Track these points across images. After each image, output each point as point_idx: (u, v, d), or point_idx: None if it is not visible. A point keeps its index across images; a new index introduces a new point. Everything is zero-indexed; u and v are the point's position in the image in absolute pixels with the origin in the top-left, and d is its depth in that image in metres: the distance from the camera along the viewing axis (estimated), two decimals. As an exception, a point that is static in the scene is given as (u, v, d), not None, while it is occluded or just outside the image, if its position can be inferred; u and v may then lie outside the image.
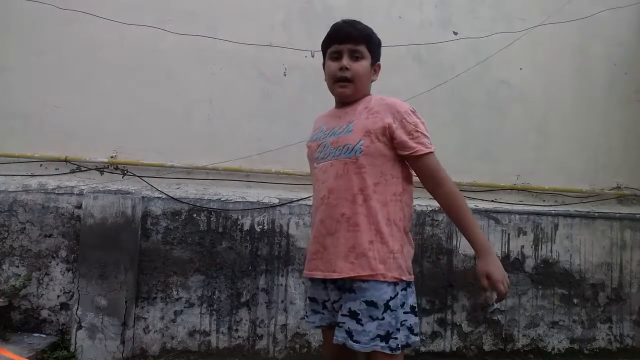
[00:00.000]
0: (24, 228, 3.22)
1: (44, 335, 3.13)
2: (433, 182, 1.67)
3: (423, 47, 3.68)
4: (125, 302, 3.10)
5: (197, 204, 3.30)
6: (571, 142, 3.88)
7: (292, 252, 3.36)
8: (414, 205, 1.79)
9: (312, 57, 3.52)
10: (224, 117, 3.50)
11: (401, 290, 1.61)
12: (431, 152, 1.65)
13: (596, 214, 3.78)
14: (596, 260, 3.73)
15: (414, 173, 1.73)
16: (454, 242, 3.53)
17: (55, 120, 3.36)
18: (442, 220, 3.51)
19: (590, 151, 3.90)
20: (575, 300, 3.69)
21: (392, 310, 1.57)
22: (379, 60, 1.77)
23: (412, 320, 1.62)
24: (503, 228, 3.63)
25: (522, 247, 3.64)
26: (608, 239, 3.76)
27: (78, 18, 3.32)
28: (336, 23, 1.77)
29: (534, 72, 3.86)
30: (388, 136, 1.63)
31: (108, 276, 3.09)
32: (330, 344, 1.71)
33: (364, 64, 1.71)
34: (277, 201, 3.39)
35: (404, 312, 1.61)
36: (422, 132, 1.64)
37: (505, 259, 3.60)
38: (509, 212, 3.65)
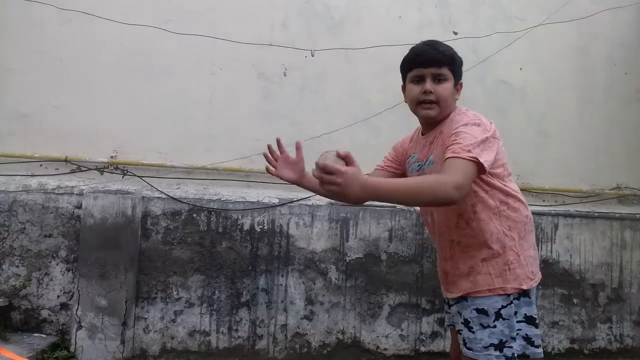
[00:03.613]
0: (24, 228, 3.22)
1: (44, 335, 3.13)
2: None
3: (423, 47, 3.68)
4: (125, 302, 3.10)
5: (197, 204, 3.30)
6: (571, 142, 3.87)
7: (292, 252, 3.36)
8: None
9: (312, 56, 3.53)
10: (224, 117, 3.50)
11: (514, 299, 1.63)
12: (455, 158, 1.43)
13: (596, 214, 3.78)
14: (596, 260, 3.73)
15: (498, 172, 1.65)
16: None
17: (55, 120, 3.36)
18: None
19: (590, 151, 3.90)
20: (575, 300, 3.68)
21: (504, 319, 1.61)
22: (460, 79, 1.75)
23: (529, 330, 1.64)
24: (503, 228, 3.62)
25: (522, 247, 3.63)
26: (608, 239, 3.76)
27: (78, 18, 3.32)
28: (416, 46, 1.73)
29: (534, 72, 3.85)
30: None
31: (108, 276, 3.10)
32: (454, 345, 1.83)
33: (447, 86, 1.68)
34: (277, 201, 3.39)
35: (518, 321, 1.63)
36: (457, 142, 1.48)
37: (505, 259, 3.60)
38: (509, 212, 3.65)
